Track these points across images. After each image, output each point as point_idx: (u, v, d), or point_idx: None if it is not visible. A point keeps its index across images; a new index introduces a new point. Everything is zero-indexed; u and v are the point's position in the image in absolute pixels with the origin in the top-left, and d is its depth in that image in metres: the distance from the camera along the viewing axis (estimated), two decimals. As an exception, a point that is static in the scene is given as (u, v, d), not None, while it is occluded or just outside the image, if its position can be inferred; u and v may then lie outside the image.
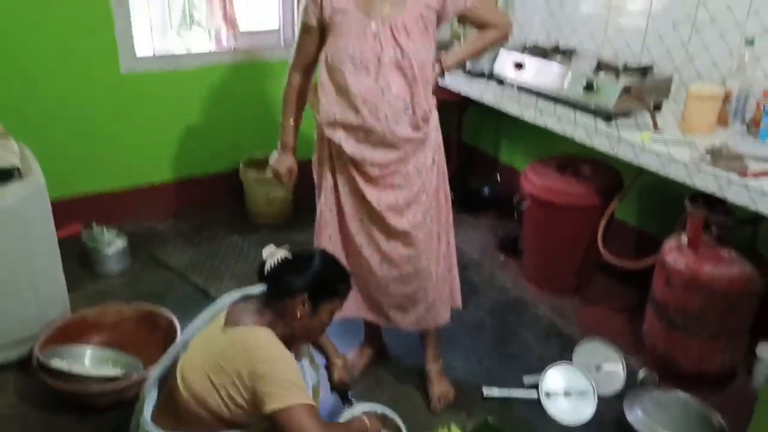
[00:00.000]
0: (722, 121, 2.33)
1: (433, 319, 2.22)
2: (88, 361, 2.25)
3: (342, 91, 1.90)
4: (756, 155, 2.05)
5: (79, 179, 3.17)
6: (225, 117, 3.44)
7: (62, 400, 2.14)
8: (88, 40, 2.96)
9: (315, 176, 2.15)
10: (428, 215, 2.06)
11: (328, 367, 2.00)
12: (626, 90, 2.34)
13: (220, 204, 3.54)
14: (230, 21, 3.26)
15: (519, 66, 2.72)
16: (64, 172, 3.07)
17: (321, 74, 1.94)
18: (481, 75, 2.96)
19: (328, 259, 1.79)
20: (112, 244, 2.93)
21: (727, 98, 2.32)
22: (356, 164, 1.97)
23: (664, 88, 2.51)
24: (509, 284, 2.99)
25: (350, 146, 1.94)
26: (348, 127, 1.93)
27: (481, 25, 2.07)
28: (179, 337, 2.03)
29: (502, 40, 2.16)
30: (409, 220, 2.03)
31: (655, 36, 2.72)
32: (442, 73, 2.05)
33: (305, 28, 1.96)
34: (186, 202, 3.48)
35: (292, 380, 1.56)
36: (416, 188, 2.01)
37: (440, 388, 2.28)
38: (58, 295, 2.41)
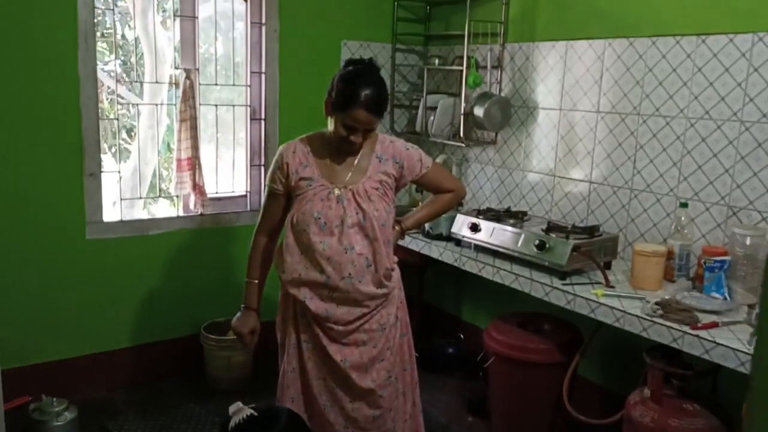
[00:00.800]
0: (668, 275, 2.46)
1: (400, 488, 2.11)
2: None
3: (307, 250, 1.97)
4: (703, 308, 2.15)
5: (33, 348, 3.04)
6: (188, 282, 3.44)
7: None
8: (56, 209, 3.00)
9: (278, 336, 2.14)
10: (393, 373, 2.05)
11: None
12: (576, 249, 2.48)
13: (177, 370, 3.43)
14: (199, 189, 3.37)
15: (475, 228, 2.87)
16: (19, 341, 2.96)
17: (287, 236, 2.02)
18: (439, 237, 3.10)
19: (295, 419, 1.74)
20: (60, 416, 2.76)
21: (670, 255, 2.47)
22: (320, 322, 1.99)
23: (611, 247, 2.67)
24: (478, 448, 2.89)
25: (314, 304, 1.97)
26: (313, 285, 1.97)
27: (436, 189, 2.22)
28: None
29: (457, 202, 2.32)
30: (374, 378, 2.01)
31: (598, 200, 2.94)
32: (402, 234, 2.15)
33: (272, 194, 2.07)
34: (142, 369, 3.36)
35: None
36: (380, 345, 2.02)
37: None
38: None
